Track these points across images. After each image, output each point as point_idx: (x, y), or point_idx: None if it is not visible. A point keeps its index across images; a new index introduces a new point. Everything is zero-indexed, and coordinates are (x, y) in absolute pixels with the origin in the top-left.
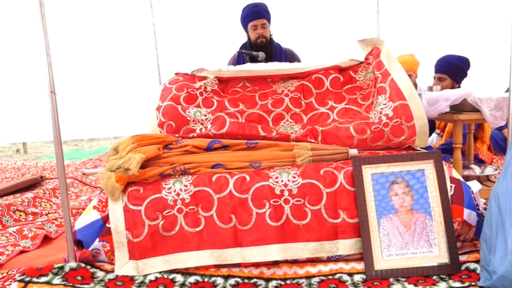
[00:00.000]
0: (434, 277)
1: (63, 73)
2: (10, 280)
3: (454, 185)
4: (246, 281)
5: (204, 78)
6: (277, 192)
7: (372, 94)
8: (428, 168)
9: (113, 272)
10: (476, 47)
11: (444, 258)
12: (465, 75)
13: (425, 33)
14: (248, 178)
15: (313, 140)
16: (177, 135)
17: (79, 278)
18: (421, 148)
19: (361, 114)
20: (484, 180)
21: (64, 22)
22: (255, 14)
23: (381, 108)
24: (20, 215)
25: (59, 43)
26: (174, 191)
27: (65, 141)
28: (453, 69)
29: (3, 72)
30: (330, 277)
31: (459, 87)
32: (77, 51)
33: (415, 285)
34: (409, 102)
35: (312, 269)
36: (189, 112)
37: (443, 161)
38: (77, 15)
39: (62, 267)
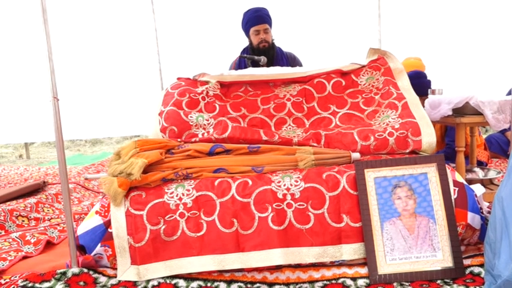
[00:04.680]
0: (438, 281)
1: (66, 77)
2: (13, 286)
3: (457, 189)
4: (249, 285)
5: (206, 82)
6: (280, 196)
7: (375, 101)
8: (431, 171)
9: (115, 277)
10: (478, 50)
11: (448, 262)
12: (424, 86)
13: (426, 37)
14: (250, 182)
15: (315, 144)
16: (179, 139)
17: (81, 283)
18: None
19: (363, 121)
20: (487, 183)
21: (67, 27)
22: (257, 19)
23: (389, 121)
24: (23, 221)
25: (61, 48)
26: (177, 196)
27: (67, 145)
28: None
29: (7, 75)
30: (333, 282)
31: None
32: (80, 56)
33: None
34: (419, 121)
35: (315, 274)
36: (191, 117)
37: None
38: (80, 21)
39: (64, 273)
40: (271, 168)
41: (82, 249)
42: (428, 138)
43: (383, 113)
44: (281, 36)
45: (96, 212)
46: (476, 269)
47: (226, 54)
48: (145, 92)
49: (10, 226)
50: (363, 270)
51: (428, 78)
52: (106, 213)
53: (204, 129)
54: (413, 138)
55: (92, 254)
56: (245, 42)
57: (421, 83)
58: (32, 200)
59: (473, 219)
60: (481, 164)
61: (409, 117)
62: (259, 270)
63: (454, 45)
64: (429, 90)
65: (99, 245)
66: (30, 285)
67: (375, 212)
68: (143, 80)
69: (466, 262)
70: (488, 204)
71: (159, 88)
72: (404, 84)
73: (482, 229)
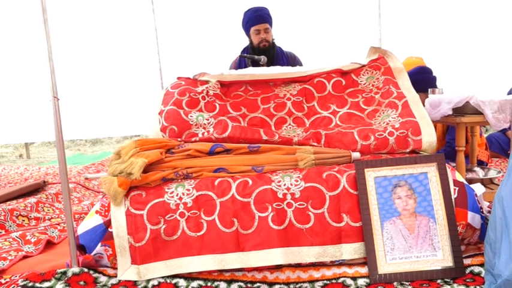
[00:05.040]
0: (439, 281)
1: (66, 77)
2: (13, 285)
3: (457, 188)
4: (249, 285)
5: (206, 82)
6: (280, 196)
7: (375, 100)
8: (431, 171)
9: (115, 276)
10: (479, 50)
11: (448, 262)
12: (430, 81)
13: (426, 36)
14: (250, 182)
15: (315, 144)
16: (179, 139)
17: (82, 283)
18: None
19: (363, 120)
20: (487, 183)
21: (67, 27)
22: (257, 19)
23: (389, 120)
24: (23, 220)
25: (62, 47)
26: (177, 195)
27: (67, 145)
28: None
29: (7, 75)
30: (334, 281)
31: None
32: (80, 55)
33: None
34: (419, 120)
35: (315, 273)
36: (191, 116)
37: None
38: (80, 20)
39: (64, 272)
40: (271, 168)
41: (82, 248)
42: (429, 137)
43: (383, 112)
44: (281, 36)
45: (96, 212)
46: (477, 269)
47: (227, 54)
48: (145, 91)
49: (10, 226)
50: (363, 270)
51: (433, 74)
52: (106, 213)
53: (204, 128)
54: (413, 138)
55: (92, 253)
56: (245, 42)
57: (426, 79)
58: (32, 199)
59: (473, 218)
60: (481, 164)
61: (410, 117)
62: (259, 269)
63: (455, 44)
64: (429, 89)
65: (100, 244)
66: (30, 284)
67: (375, 212)
68: (143, 79)
69: (466, 262)
70: (488, 203)
71: (159, 87)
72: (405, 83)
73: (483, 229)
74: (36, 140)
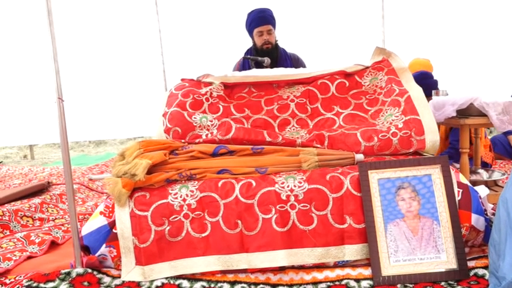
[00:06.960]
0: (442, 283)
1: (71, 78)
2: (17, 286)
3: (461, 190)
4: (252, 287)
5: (210, 83)
6: (283, 197)
7: (379, 101)
8: (435, 173)
9: (119, 277)
10: (483, 51)
11: (452, 264)
12: (431, 86)
13: (430, 38)
14: (254, 183)
15: (319, 145)
16: (183, 140)
17: (86, 283)
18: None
19: (367, 121)
20: (491, 185)
21: (72, 29)
22: (261, 20)
23: (392, 119)
24: (27, 221)
25: (66, 49)
26: (180, 197)
27: (71, 146)
28: None
29: (12, 77)
30: (337, 283)
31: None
32: (84, 57)
33: None
34: (422, 117)
35: (319, 275)
36: (195, 118)
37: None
38: (85, 22)
39: (68, 273)
40: (274, 170)
41: (86, 249)
42: (432, 136)
43: (386, 112)
44: (285, 37)
45: (101, 213)
46: (481, 271)
47: (230, 55)
48: (149, 93)
49: (15, 226)
50: (367, 272)
51: (434, 78)
52: (110, 214)
53: (208, 130)
54: (416, 138)
55: (97, 254)
56: (249, 43)
57: (427, 84)
58: (36, 200)
59: (477, 220)
60: (485, 166)
61: (413, 114)
62: (262, 271)
63: (459, 46)
64: (433, 91)
65: (104, 245)
66: (34, 285)
67: (379, 214)
68: (147, 81)
69: (470, 264)
70: (492, 205)
71: (163, 89)
72: (408, 79)
73: (487, 231)
74: (41, 142)
